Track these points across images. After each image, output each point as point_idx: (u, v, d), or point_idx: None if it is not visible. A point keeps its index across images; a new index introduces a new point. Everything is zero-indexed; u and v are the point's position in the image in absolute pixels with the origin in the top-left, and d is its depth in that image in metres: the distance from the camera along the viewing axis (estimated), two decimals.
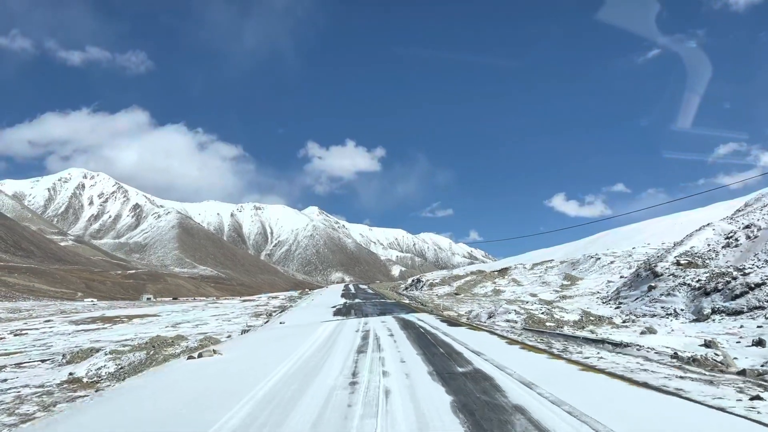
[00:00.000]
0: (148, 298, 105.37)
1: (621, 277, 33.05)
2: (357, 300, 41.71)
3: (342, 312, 27.55)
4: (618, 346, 11.60)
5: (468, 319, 21.67)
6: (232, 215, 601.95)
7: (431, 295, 53.58)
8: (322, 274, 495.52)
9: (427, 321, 19.68)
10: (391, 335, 15.03)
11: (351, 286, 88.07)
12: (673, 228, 64.19)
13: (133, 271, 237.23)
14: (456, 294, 52.43)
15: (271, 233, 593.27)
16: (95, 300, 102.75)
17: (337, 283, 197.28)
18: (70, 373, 11.62)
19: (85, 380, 11.13)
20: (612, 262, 41.30)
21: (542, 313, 21.12)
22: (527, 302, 27.84)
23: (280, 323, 22.13)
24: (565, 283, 38.65)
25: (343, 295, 51.78)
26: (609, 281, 33.40)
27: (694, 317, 18.70)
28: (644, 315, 20.75)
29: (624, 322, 19.33)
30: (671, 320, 18.94)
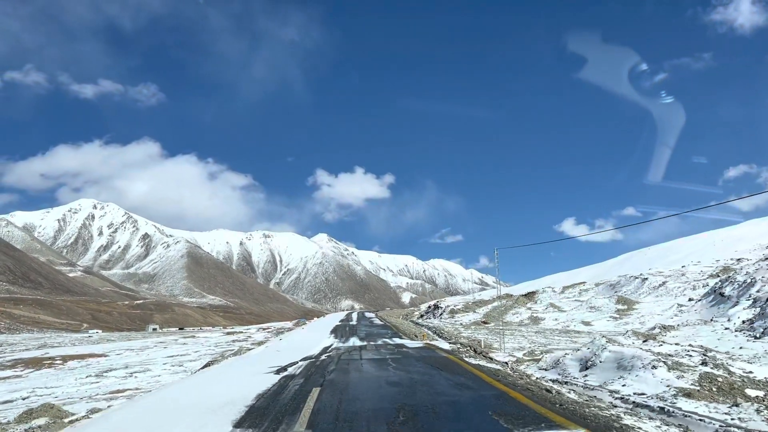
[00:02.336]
0: (154, 329, 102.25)
1: (690, 299, 28.57)
2: (352, 341, 26.16)
3: (289, 396, 9.35)
4: None
5: (540, 368, 15.13)
6: (241, 244, 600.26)
7: (455, 324, 49.18)
8: (331, 301, 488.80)
9: None
10: None
11: (354, 315, 70.16)
12: (712, 246, 60.36)
13: (141, 302, 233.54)
14: (485, 322, 47.95)
15: (281, 261, 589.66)
16: (99, 331, 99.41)
17: (344, 310, 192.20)
18: None
19: None
20: (664, 283, 36.66)
21: (701, 362, 13.41)
22: (598, 333, 23.11)
23: None
24: (621, 307, 33.77)
25: (335, 330, 36.29)
26: (679, 305, 28.70)
27: None
28: None
29: None
30: None
